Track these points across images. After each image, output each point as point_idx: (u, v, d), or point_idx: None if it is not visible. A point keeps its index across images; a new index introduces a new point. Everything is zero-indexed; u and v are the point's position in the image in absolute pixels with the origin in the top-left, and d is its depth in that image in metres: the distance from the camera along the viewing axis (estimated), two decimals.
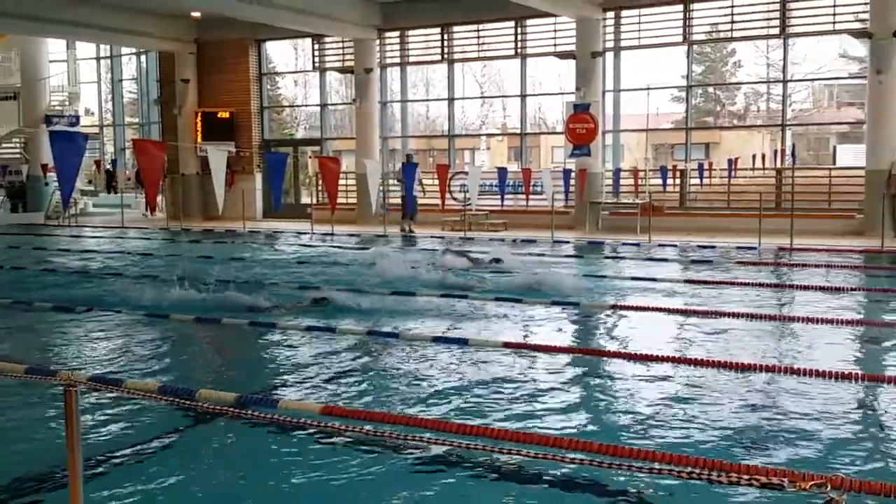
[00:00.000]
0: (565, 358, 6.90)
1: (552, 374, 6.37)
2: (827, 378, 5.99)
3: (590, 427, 5.16)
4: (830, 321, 8.07)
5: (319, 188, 22.87)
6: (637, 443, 4.70)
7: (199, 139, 23.49)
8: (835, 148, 31.91)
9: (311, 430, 4.88)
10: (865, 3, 17.36)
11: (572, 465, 4.25)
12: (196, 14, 22.68)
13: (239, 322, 8.45)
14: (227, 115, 24.05)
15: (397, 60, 22.83)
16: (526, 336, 7.93)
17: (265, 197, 23.97)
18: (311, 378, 6.33)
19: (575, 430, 5.02)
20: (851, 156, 25.35)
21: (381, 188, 16.66)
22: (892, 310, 8.96)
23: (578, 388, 6.12)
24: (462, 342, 7.32)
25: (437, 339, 7.45)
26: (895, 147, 16.99)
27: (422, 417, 5.21)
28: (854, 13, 18.02)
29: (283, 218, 22.15)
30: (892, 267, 12.96)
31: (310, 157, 25.41)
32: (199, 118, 24.08)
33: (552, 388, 5.96)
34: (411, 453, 4.61)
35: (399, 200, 19.75)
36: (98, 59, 30.31)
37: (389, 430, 4.76)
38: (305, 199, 24.72)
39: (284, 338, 7.90)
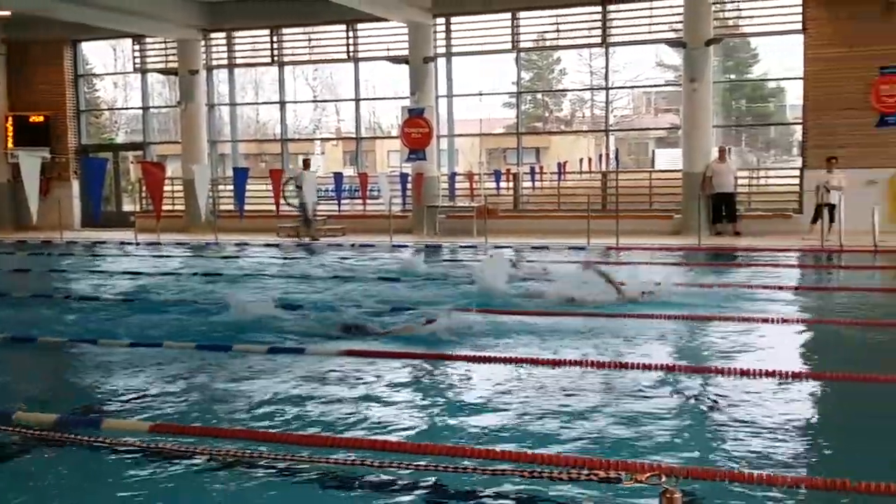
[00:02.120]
0: (409, 362, 6.83)
1: (390, 378, 6.28)
2: (654, 370, 6.21)
3: (426, 429, 5.08)
4: (658, 316, 8.38)
5: (143, 195, 21.87)
6: (473, 443, 4.66)
7: (10, 145, 22.12)
8: (653, 152, 33.68)
9: (139, 450, 4.57)
10: (679, 15, 18.39)
11: (413, 471, 4.15)
12: (5, 13, 21.08)
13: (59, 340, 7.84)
14: (40, 119, 22.65)
15: (224, 62, 22.15)
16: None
17: (84, 205, 22.64)
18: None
19: (412, 434, 4.94)
20: (669, 159, 26.84)
21: (210, 193, 16.06)
22: (717, 305, 9.30)
23: (416, 392, 6.06)
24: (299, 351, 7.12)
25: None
26: (708, 151, 18.10)
27: (258, 430, 4.97)
28: (669, 24, 19.07)
29: (103, 227, 20.97)
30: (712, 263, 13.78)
31: (132, 163, 24.25)
32: (9, 123, 22.56)
33: (385, 393, 5.87)
34: (252, 469, 4.37)
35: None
36: None
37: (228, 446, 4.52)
38: (128, 207, 23.56)
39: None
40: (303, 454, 4.41)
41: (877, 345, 7.50)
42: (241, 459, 4.39)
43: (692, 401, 5.61)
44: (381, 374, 6.40)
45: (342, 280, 11.76)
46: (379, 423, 5.18)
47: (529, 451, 4.39)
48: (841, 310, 9.00)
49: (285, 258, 15.46)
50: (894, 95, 16.90)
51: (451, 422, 5.23)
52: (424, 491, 4.05)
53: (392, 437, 4.82)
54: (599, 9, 19.24)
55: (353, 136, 22.75)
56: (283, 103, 22.50)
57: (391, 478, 4.15)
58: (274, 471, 4.31)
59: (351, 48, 21.09)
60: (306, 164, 19.60)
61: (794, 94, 21.00)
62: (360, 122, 22.31)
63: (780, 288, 10.56)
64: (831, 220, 15.50)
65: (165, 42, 22.18)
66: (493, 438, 4.80)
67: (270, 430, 4.98)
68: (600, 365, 6.42)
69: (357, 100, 21.86)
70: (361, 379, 6.26)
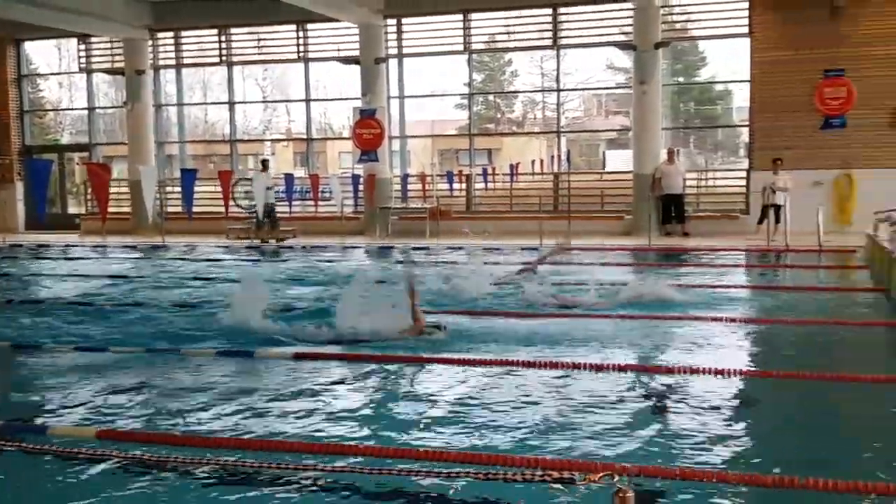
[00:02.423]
0: (362, 364, 6.76)
1: (347, 380, 6.21)
2: (606, 370, 6.23)
3: (376, 430, 5.02)
4: (608, 316, 8.42)
5: (89, 197, 21.44)
6: (424, 445, 4.61)
7: None
8: (604, 154, 33.97)
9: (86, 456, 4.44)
10: (629, 18, 18.58)
11: (363, 473, 4.09)
12: None
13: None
14: None
15: (172, 62, 21.83)
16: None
17: (28, 207, 22.11)
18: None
19: (363, 436, 4.88)
20: (619, 161, 27.09)
21: (157, 195, 15.78)
22: (670, 305, 9.36)
23: (368, 394, 6.00)
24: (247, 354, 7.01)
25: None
26: (658, 153, 18.31)
27: (206, 437, 4.87)
28: (619, 27, 19.26)
29: (48, 229, 20.51)
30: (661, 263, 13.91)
31: (77, 164, 23.78)
32: None
33: (340, 395, 5.80)
34: (200, 475, 4.28)
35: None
36: None
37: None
38: (74, 209, 23.08)
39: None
40: (251, 460, 4.33)
41: (823, 343, 7.62)
42: (188, 465, 4.30)
43: (645, 400, 5.64)
44: (334, 377, 6.33)
45: (296, 282, 11.63)
46: (330, 424, 5.11)
47: (483, 453, 4.36)
48: (787, 309, 9.14)
49: (235, 260, 15.26)
50: (838, 98, 17.27)
51: (403, 423, 5.18)
52: (375, 494, 4.00)
53: (343, 440, 4.76)
54: (550, 11, 19.37)
55: (304, 136, 22.57)
56: (231, 104, 22.24)
57: (344, 480, 4.09)
58: (223, 475, 4.23)
59: (301, 48, 20.93)
60: (264, 164, 19.32)
61: (741, 97, 21.34)
62: (310, 122, 22.16)
63: (728, 287, 10.71)
64: (777, 220, 15.78)
65: (111, 41, 21.80)
66: (445, 440, 4.76)
67: (219, 436, 4.89)
68: (553, 365, 6.42)
69: (308, 100, 21.71)
70: (314, 382, 6.18)
